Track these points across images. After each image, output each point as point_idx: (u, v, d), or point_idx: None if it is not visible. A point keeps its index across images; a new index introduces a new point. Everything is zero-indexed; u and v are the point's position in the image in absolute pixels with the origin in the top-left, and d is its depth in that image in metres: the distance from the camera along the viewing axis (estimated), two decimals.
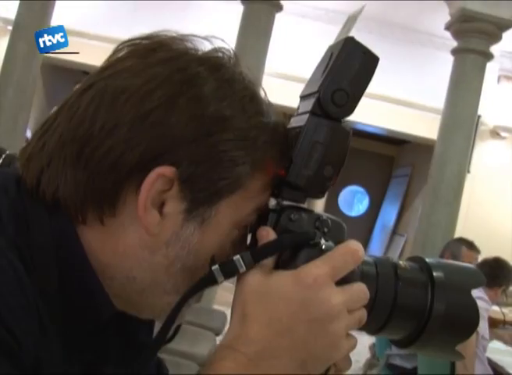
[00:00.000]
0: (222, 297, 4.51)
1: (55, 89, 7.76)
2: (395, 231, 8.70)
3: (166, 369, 0.84)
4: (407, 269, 0.65)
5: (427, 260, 0.67)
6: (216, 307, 4.70)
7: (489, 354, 3.46)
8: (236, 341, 0.56)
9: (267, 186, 0.65)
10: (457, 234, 4.98)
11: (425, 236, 5.33)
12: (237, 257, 0.59)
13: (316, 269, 0.57)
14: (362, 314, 0.59)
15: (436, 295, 0.64)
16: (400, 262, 0.66)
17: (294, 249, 0.60)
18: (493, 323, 4.42)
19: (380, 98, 7.42)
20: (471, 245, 3.93)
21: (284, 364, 0.56)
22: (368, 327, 0.63)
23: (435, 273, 0.65)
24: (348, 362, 0.62)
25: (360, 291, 0.59)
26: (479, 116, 6.79)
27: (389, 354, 3.84)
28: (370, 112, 7.54)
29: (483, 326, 3.15)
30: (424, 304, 0.64)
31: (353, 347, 0.60)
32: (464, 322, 0.66)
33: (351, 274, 0.59)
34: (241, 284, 0.59)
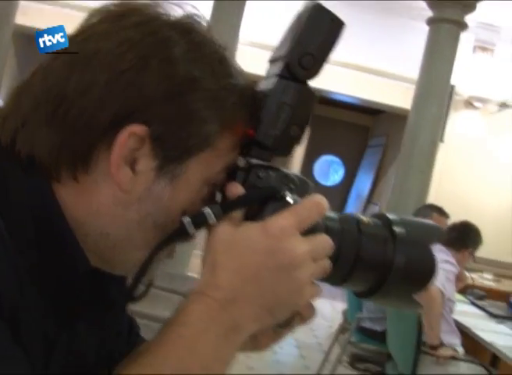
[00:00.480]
0: (196, 265, 4.57)
1: (27, 58, 7.62)
2: (369, 200, 8.76)
3: (138, 327, 0.86)
4: (369, 224, 0.69)
5: (389, 216, 0.70)
6: (190, 274, 4.76)
7: (457, 316, 3.56)
8: (207, 287, 0.60)
9: (236, 145, 0.67)
10: (429, 202, 5.04)
11: (398, 204, 5.41)
12: (207, 209, 0.62)
13: (282, 220, 0.60)
14: (326, 264, 0.62)
15: (397, 249, 0.67)
16: (363, 218, 0.69)
17: (262, 203, 0.63)
18: (462, 288, 4.54)
19: (355, 67, 7.41)
20: (440, 211, 4.03)
21: (252, 309, 0.59)
22: (332, 279, 0.66)
23: (396, 229, 0.68)
24: (312, 311, 0.65)
25: (324, 241, 0.62)
26: (453, 86, 6.85)
27: (359, 317, 3.93)
28: (345, 82, 7.54)
29: (450, 289, 3.24)
30: (385, 257, 0.67)
31: (317, 294, 0.63)
32: (423, 274, 0.69)
33: (316, 226, 0.62)
34: (211, 236, 0.62)
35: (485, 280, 5.33)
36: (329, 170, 10.01)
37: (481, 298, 4.41)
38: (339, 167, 10.00)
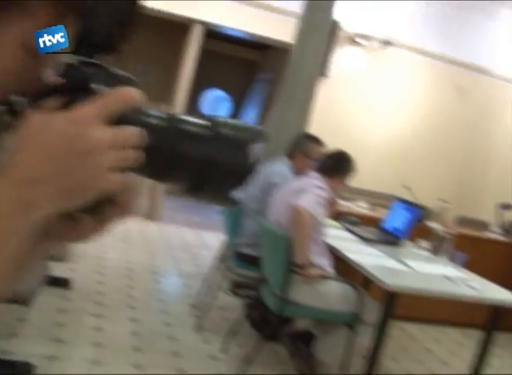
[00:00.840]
0: None
1: None
2: None
3: None
4: (192, 123, 0.69)
5: (214, 118, 0.71)
6: None
7: (331, 240, 3.73)
8: (9, 168, 0.60)
9: (56, 17, 0.66)
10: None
11: (279, 136, 5.50)
12: (20, 98, 0.63)
13: (85, 108, 0.60)
14: (132, 154, 0.63)
15: (215, 148, 0.68)
16: (187, 118, 0.69)
17: (74, 93, 0.64)
18: (337, 214, 4.73)
19: (243, 1, 7.35)
20: (317, 141, 4.14)
21: (47, 189, 0.60)
22: (148, 173, 0.67)
23: (217, 129, 0.69)
24: (129, 202, 0.66)
25: (130, 132, 0.62)
26: (338, 23, 6.94)
27: (237, 243, 4.02)
28: (233, 16, 7.46)
29: (320, 212, 3.35)
30: (203, 155, 0.68)
31: (123, 183, 0.63)
32: (238, 172, 0.71)
33: (124, 117, 0.62)
34: (22, 124, 0.61)
35: (361, 208, 5.57)
36: (216, 105, 9.96)
37: (355, 224, 4.62)
38: (227, 102, 9.97)
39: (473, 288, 3.37)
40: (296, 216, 3.22)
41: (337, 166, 3.63)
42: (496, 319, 3.42)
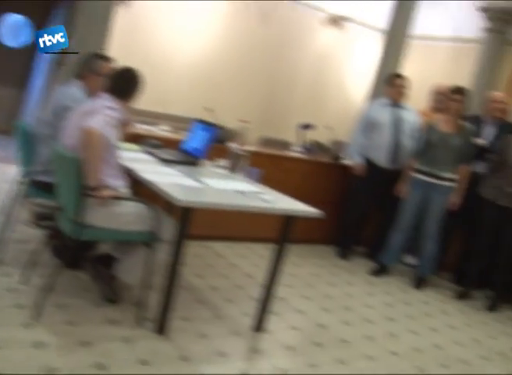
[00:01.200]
0: None
1: None
2: (60, 62, 8.43)
3: None
4: None
5: None
6: None
7: (131, 163, 3.73)
8: None
9: None
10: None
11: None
12: None
13: None
14: None
15: None
16: None
17: None
18: (138, 137, 4.71)
19: None
20: (105, 58, 4.07)
21: None
22: None
23: None
24: None
25: None
26: None
27: (31, 171, 3.88)
28: None
29: (111, 134, 3.30)
30: None
31: None
32: None
33: None
34: None
35: (163, 131, 5.57)
36: (16, 31, 9.28)
37: (156, 146, 4.61)
38: (27, 27, 9.34)
39: (265, 201, 3.54)
40: (86, 137, 3.14)
41: (127, 85, 3.55)
42: (288, 229, 3.64)
